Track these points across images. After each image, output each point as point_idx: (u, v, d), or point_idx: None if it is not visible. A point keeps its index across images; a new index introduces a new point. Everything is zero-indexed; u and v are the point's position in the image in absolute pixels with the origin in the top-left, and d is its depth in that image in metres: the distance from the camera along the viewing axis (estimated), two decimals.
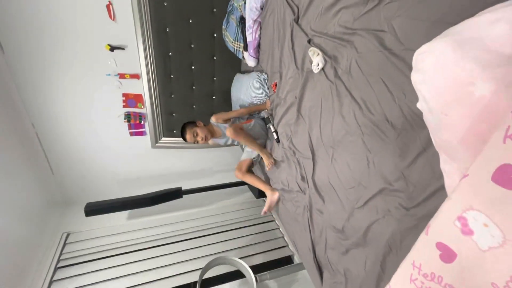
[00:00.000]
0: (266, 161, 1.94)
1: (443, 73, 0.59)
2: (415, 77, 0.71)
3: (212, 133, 2.10)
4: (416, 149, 0.86)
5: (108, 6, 2.03)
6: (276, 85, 1.84)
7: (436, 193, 0.79)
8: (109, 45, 2.15)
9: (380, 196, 1.02)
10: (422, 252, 0.52)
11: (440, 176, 0.76)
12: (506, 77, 0.50)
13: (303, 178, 1.56)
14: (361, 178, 1.12)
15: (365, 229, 1.09)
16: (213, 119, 2.05)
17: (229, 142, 2.09)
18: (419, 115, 0.82)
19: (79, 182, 2.59)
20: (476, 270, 0.43)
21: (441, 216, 0.49)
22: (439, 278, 0.49)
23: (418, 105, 0.75)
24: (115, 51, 2.17)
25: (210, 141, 2.14)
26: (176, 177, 2.88)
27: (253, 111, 2.13)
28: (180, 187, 2.44)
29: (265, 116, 1.97)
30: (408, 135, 0.88)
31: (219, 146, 2.21)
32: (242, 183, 2.80)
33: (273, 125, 1.91)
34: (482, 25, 0.56)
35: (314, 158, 1.45)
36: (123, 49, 2.20)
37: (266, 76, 2.02)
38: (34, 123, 2.24)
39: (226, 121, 2.06)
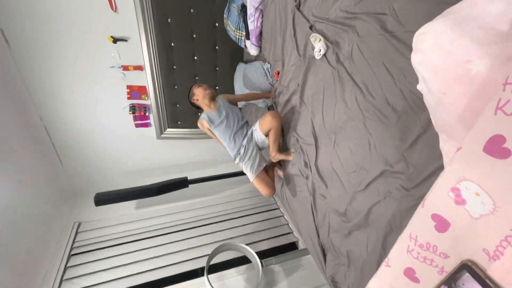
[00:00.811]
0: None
1: (440, 52, 0.60)
2: (414, 58, 0.72)
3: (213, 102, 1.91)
4: (416, 131, 0.87)
5: None
6: (278, 73, 1.84)
7: (435, 173, 0.81)
8: (112, 37, 2.16)
9: (382, 179, 1.04)
10: (418, 224, 0.55)
11: (440, 156, 0.77)
12: (502, 53, 0.51)
13: (306, 164, 1.59)
14: (363, 162, 1.14)
15: (367, 211, 1.12)
16: (220, 96, 1.98)
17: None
18: (419, 97, 0.84)
19: (88, 173, 2.66)
20: (469, 238, 0.46)
21: (436, 189, 0.51)
22: (434, 247, 0.51)
23: (418, 87, 0.76)
24: (118, 43, 2.19)
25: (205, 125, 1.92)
26: (181, 167, 2.93)
27: (258, 98, 2.12)
28: (186, 177, 2.49)
29: (269, 104, 1.99)
30: (409, 118, 0.89)
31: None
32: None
33: None
34: (480, 4, 0.57)
35: (317, 144, 1.47)
36: (126, 40, 2.21)
37: (269, 65, 2.02)
38: (42, 116, 2.29)
39: (231, 101, 2.00)
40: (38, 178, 2.25)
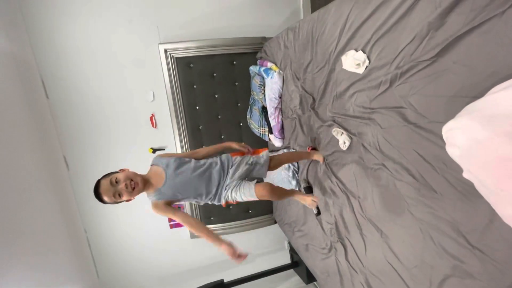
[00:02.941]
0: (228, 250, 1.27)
1: (480, 149, 0.59)
2: (451, 151, 0.72)
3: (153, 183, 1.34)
4: (479, 219, 0.78)
5: (151, 118, 2.42)
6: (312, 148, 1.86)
7: None
8: (151, 148, 2.46)
9: (456, 279, 0.88)
10: None
11: None
12: None
13: (354, 261, 1.42)
14: (423, 255, 1.00)
15: None
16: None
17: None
18: (469, 184, 0.78)
19: (122, 283, 2.56)
20: None
21: None
22: None
23: (465, 175, 0.73)
24: (156, 152, 2.46)
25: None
26: (217, 266, 2.74)
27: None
28: (222, 280, 2.30)
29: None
30: (464, 205, 0.82)
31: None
32: (286, 268, 2.58)
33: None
34: (504, 102, 0.59)
35: (362, 233, 1.35)
36: (163, 149, 2.49)
37: (293, 150, 2.11)
38: (87, 228, 2.41)
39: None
40: None
